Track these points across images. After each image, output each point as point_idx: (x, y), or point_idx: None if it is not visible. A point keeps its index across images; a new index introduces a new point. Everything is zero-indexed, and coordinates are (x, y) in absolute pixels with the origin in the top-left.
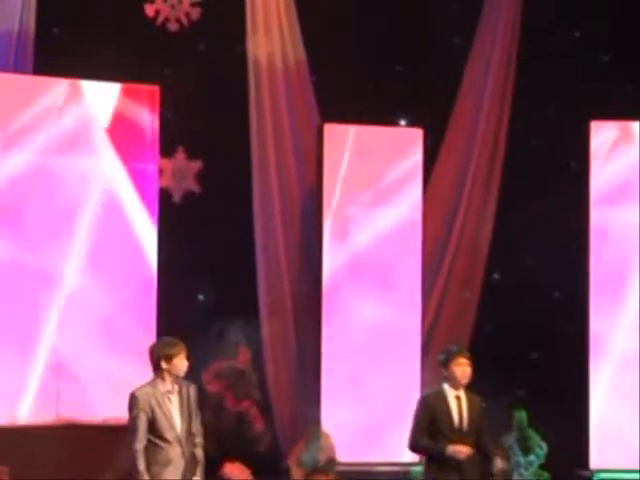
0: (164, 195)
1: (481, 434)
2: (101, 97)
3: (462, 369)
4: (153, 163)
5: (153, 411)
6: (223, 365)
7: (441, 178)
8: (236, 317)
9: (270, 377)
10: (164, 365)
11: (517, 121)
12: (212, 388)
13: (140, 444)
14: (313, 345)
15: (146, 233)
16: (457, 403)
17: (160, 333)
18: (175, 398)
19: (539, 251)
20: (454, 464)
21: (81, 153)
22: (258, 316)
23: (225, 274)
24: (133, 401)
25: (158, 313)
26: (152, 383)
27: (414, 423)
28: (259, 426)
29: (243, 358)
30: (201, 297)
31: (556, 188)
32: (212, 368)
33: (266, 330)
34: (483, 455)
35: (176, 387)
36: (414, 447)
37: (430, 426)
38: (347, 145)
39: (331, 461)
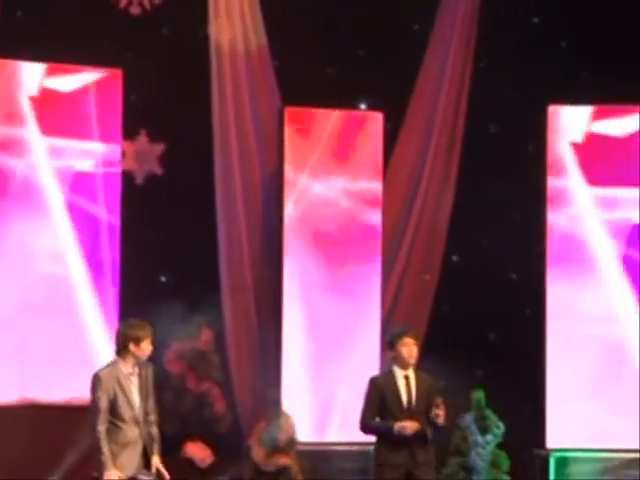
0: (127, 177)
1: (430, 411)
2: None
3: (408, 349)
4: (116, 145)
5: (115, 392)
6: (185, 346)
7: (400, 161)
8: (198, 299)
9: (231, 358)
10: (132, 347)
11: (476, 105)
12: (174, 369)
13: (103, 426)
14: (274, 327)
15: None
16: (406, 383)
17: (122, 314)
18: (135, 379)
19: (497, 233)
20: (404, 444)
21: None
22: (220, 298)
23: (187, 256)
24: (96, 382)
25: (120, 294)
26: (114, 364)
27: (364, 405)
28: (220, 407)
29: (205, 339)
30: (163, 278)
31: (514, 171)
32: (174, 349)
33: (228, 312)
34: (434, 428)
35: (136, 369)
36: (364, 428)
37: (380, 407)
38: (308, 128)
39: (291, 441)
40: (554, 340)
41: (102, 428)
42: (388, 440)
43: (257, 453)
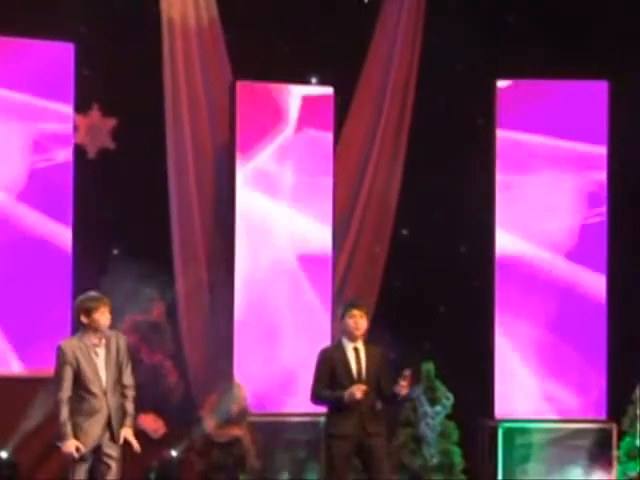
0: (79, 151)
1: (382, 382)
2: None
3: (355, 320)
4: (68, 119)
5: (79, 363)
6: (137, 319)
7: (351, 135)
8: (150, 271)
9: (184, 330)
10: (83, 319)
11: (425, 79)
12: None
13: (64, 394)
14: (226, 298)
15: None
16: (355, 355)
17: (75, 287)
18: (101, 351)
19: (446, 207)
20: (354, 415)
21: None
22: (172, 270)
23: (140, 229)
24: (59, 353)
25: (73, 267)
26: (79, 336)
27: (314, 376)
28: (172, 378)
29: (157, 312)
30: (116, 251)
31: (463, 145)
32: (127, 321)
33: (180, 283)
34: (385, 399)
35: (103, 340)
36: (315, 399)
37: (330, 379)
38: (259, 102)
39: (244, 412)
40: (502, 312)
41: (63, 396)
42: (339, 410)
43: (209, 424)
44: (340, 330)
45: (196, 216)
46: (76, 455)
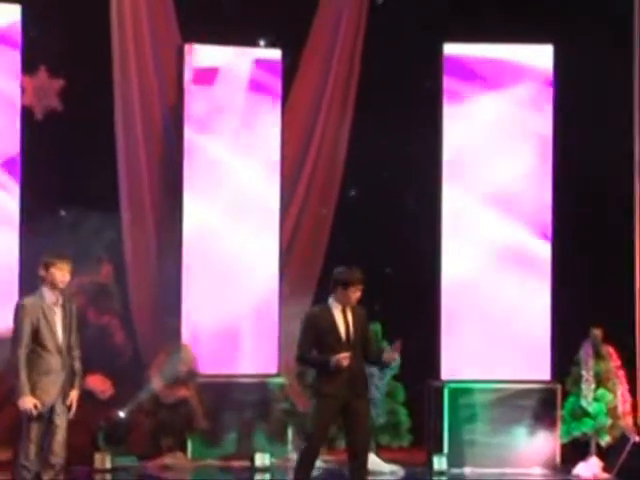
0: (26, 113)
1: (367, 344)
2: None
3: (357, 296)
4: (15, 81)
5: (38, 320)
6: (85, 280)
7: (299, 97)
8: (98, 232)
9: (131, 291)
10: (42, 272)
11: (373, 41)
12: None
13: (23, 350)
14: (174, 259)
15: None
16: (343, 317)
17: (22, 248)
18: (59, 310)
19: (394, 168)
20: (342, 375)
21: None
22: (120, 231)
23: (87, 190)
24: (20, 309)
25: (20, 228)
26: (38, 294)
27: (301, 337)
28: (120, 339)
29: (105, 272)
30: (63, 212)
31: (411, 106)
32: (74, 283)
33: (127, 245)
34: (372, 361)
35: (60, 300)
36: (301, 360)
37: (317, 340)
38: (208, 65)
39: (191, 373)
40: (448, 273)
41: (22, 355)
42: (328, 371)
43: (157, 385)
44: (337, 294)
45: (144, 177)
46: (34, 412)
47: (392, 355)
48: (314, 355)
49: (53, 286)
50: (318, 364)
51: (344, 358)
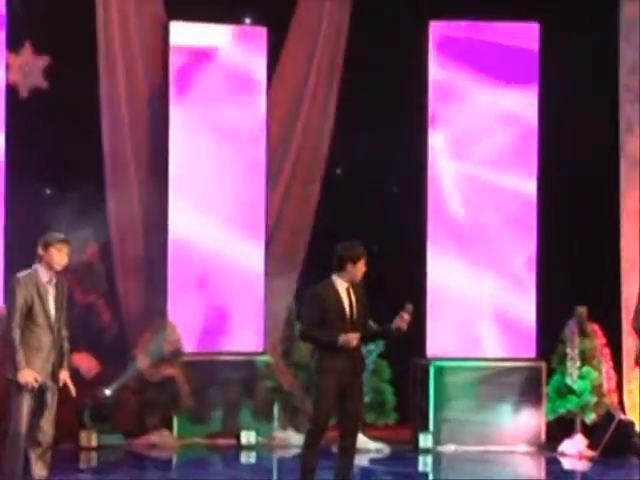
0: (11, 91)
1: (367, 321)
2: None
3: (364, 270)
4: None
5: (32, 297)
6: (71, 259)
7: (285, 75)
8: (83, 211)
9: (117, 270)
10: (40, 251)
11: (359, 19)
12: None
13: (18, 327)
14: (160, 238)
15: None
16: (347, 295)
17: (7, 227)
18: (52, 289)
19: (380, 147)
20: (346, 353)
21: None
22: (105, 209)
23: (72, 169)
24: (16, 284)
25: (6, 207)
26: (34, 271)
27: (306, 315)
28: (106, 318)
29: (90, 252)
30: (48, 191)
31: (396, 85)
32: None
33: (113, 224)
34: (378, 334)
35: (54, 280)
36: (306, 336)
37: (322, 317)
38: (193, 42)
39: (177, 352)
40: (435, 252)
41: (18, 329)
42: (331, 348)
43: (143, 364)
44: (342, 270)
45: (130, 156)
46: (35, 385)
47: (403, 319)
48: (320, 333)
49: (49, 266)
50: (324, 342)
51: (354, 338)
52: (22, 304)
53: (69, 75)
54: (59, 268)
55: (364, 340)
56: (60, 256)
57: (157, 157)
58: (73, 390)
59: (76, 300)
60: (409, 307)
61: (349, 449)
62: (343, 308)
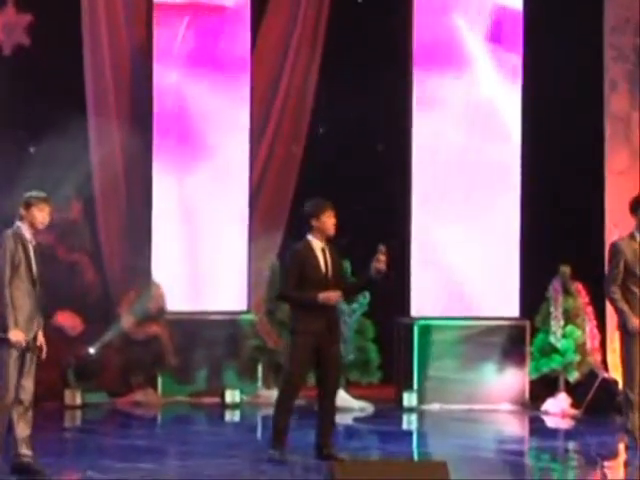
0: None
1: (344, 279)
2: None
3: (333, 222)
4: None
5: (19, 253)
6: (55, 217)
7: (269, 35)
8: (67, 169)
9: (101, 228)
10: (22, 211)
11: None
12: (43, 239)
13: (8, 288)
14: (143, 196)
15: None
16: (323, 255)
17: None
18: (32, 247)
19: (363, 105)
20: (322, 314)
21: None
22: (89, 168)
23: (57, 126)
24: (5, 239)
25: None
26: (17, 228)
27: (284, 275)
28: (90, 276)
29: (74, 210)
30: (32, 149)
31: (380, 42)
32: None
33: (97, 182)
34: (358, 288)
35: (34, 239)
36: (285, 297)
37: (300, 277)
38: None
39: (161, 310)
40: (419, 210)
41: (8, 287)
42: (307, 309)
43: (127, 322)
44: (313, 228)
45: (113, 114)
46: (24, 345)
47: (380, 261)
48: (299, 292)
49: (32, 225)
50: (303, 301)
51: (334, 295)
52: (10, 261)
53: (52, 32)
54: (41, 227)
55: (348, 297)
56: (42, 215)
57: (141, 114)
58: (43, 352)
59: (59, 258)
60: (381, 248)
61: (328, 410)
62: (320, 267)
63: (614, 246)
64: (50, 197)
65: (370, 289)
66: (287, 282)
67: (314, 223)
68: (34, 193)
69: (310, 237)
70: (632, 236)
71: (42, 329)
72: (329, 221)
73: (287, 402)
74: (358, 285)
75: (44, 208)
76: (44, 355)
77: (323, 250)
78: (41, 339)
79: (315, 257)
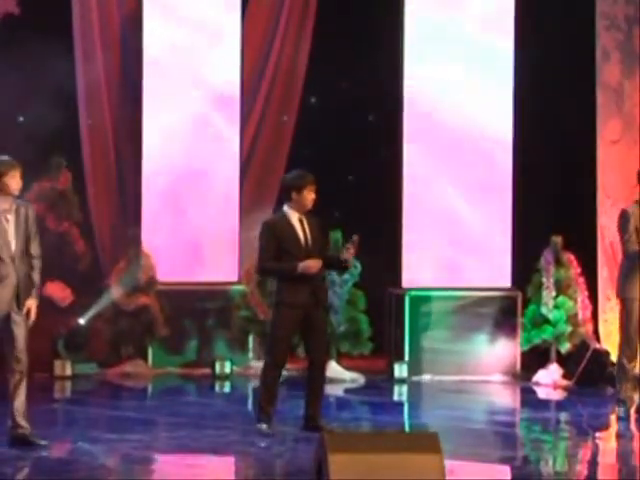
0: None
1: (324, 251)
2: None
3: (312, 197)
4: None
5: None
6: (44, 186)
7: (259, 4)
8: (57, 139)
9: (91, 198)
10: None
11: None
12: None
13: None
14: (133, 166)
15: None
16: (301, 225)
17: None
18: (11, 217)
19: (354, 75)
20: (305, 284)
21: None
22: (79, 138)
23: (45, 96)
24: None
25: None
26: None
27: (261, 247)
28: (80, 246)
29: (64, 179)
30: (21, 119)
31: (371, 14)
32: (33, 190)
33: (87, 152)
34: (330, 264)
35: (13, 206)
36: (264, 270)
37: (278, 249)
38: None
39: (151, 280)
40: (410, 181)
41: None
42: (291, 280)
43: (117, 293)
44: (292, 200)
45: (103, 83)
46: None
47: (349, 251)
48: (278, 263)
49: (7, 193)
50: (283, 272)
51: (314, 265)
52: None
53: (41, 2)
54: (17, 193)
55: (326, 268)
56: (15, 182)
57: (131, 86)
58: (32, 318)
59: (49, 228)
60: (354, 238)
61: (317, 380)
62: (298, 237)
63: (625, 212)
64: (15, 162)
65: (335, 271)
66: (265, 254)
67: (294, 196)
68: (2, 162)
69: (286, 208)
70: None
71: (35, 299)
72: (309, 196)
73: (271, 375)
74: (327, 263)
75: (15, 175)
76: (30, 323)
77: (300, 220)
78: (27, 309)
79: (292, 228)
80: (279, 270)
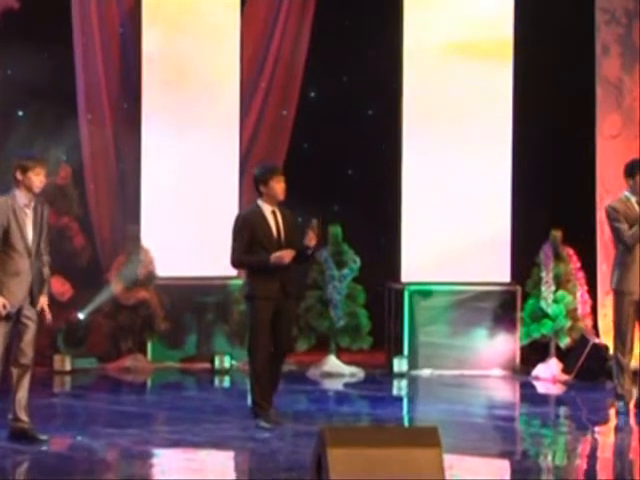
0: None
1: (296, 245)
2: None
3: (282, 186)
4: None
5: (9, 221)
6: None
7: None
8: (56, 134)
9: (90, 193)
10: (19, 175)
11: None
12: None
13: None
14: (133, 162)
15: None
16: (274, 217)
17: None
18: (30, 212)
19: (354, 70)
20: (276, 277)
21: None
22: (78, 133)
23: (45, 89)
24: None
25: None
26: (10, 195)
27: (234, 241)
28: (79, 241)
29: (63, 174)
30: (21, 113)
31: (369, 7)
32: None
33: (86, 146)
34: (298, 260)
35: (32, 202)
36: (238, 263)
37: (251, 242)
38: None
39: (151, 275)
40: (410, 175)
41: None
42: (262, 273)
43: (116, 287)
44: (260, 194)
45: (102, 77)
46: (3, 312)
47: (311, 236)
48: (250, 256)
49: (29, 190)
50: (256, 264)
51: (286, 255)
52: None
53: None
54: (38, 191)
55: (299, 262)
56: (39, 179)
57: (130, 81)
58: (49, 316)
59: (48, 223)
60: (313, 222)
61: (275, 372)
62: (270, 230)
63: (612, 208)
64: (44, 159)
65: (306, 260)
66: (238, 247)
67: (262, 189)
68: (29, 157)
69: (260, 202)
70: (626, 198)
71: (45, 295)
72: (278, 186)
73: (259, 369)
74: (303, 257)
75: (40, 172)
76: (49, 320)
77: (274, 213)
78: (42, 304)
79: (265, 221)
80: (252, 262)
